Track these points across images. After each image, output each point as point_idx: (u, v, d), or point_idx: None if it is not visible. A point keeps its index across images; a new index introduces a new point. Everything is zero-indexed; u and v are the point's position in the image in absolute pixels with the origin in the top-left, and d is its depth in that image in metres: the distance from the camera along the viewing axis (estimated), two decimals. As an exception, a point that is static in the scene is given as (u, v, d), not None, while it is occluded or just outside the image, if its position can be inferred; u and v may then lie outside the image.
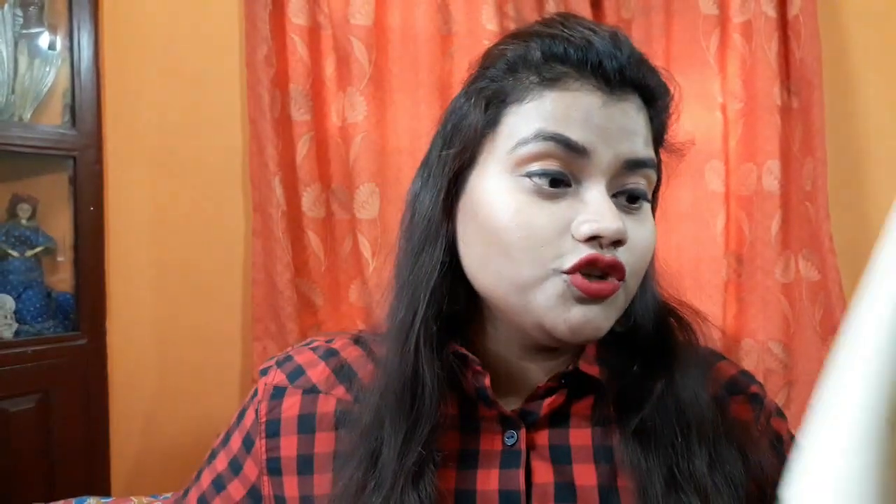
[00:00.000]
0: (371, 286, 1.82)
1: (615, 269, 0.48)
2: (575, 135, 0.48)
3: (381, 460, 0.51)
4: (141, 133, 1.78)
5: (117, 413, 1.70)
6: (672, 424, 0.51)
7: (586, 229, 0.47)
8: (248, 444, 0.60)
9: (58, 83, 1.66)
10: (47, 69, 1.64)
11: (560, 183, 0.49)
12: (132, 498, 1.45)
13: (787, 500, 0.35)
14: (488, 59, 0.54)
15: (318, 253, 1.84)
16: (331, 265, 1.87)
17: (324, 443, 0.56)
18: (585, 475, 0.52)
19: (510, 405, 0.55)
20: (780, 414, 0.59)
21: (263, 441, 0.58)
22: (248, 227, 1.85)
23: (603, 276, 0.48)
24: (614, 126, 0.49)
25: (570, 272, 0.48)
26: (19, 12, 1.61)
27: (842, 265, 1.91)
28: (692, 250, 1.98)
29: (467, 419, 0.55)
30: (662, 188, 0.58)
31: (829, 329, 1.94)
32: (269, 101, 1.76)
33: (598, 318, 0.49)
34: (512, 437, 0.53)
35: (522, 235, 0.48)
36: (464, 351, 0.54)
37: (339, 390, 0.58)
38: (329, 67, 1.83)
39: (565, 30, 0.51)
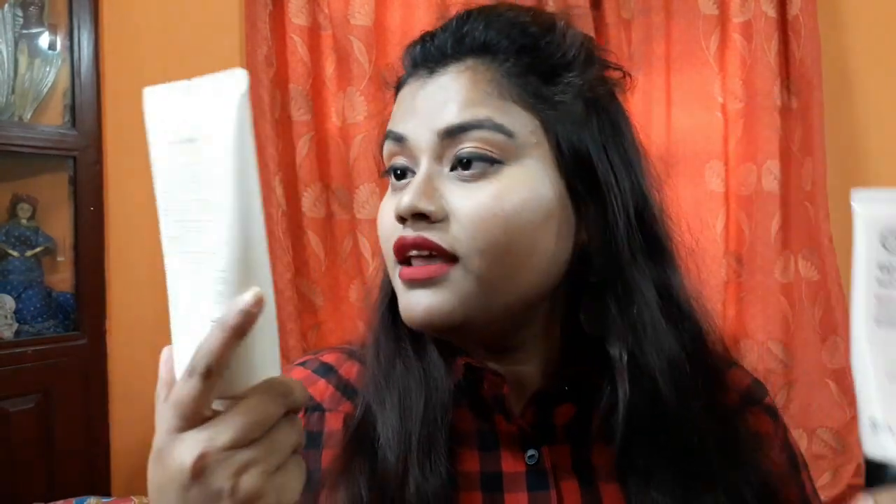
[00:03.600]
0: (371, 286, 1.81)
1: (418, 247, 0.47)
2: (398, 126, 0.50)
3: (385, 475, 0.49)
4: (141, 133, 1.75)
5: (117, 413, 1.70)
6: (682, 452, 0.49)
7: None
8: None
9: (58, 83, 1.66)
10: (47, 69, 1.64)
11: (406, 173, 0.50)
12: (132, 498, 1.45)
13: None
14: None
15: (318, 253, 1.84)
16: (331, 265, 1.87)
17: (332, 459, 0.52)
18: (613, 495, 0.50)
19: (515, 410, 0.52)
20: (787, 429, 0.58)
21: None
22: (248, 227, 1.84)
23: (431, 257, 0.47)
24: (429, 104, 0.49)
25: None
26: (19, 12, 1.61)
27: (842, 265, 1.90)
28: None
29: (486, 436, 0.52)
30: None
31: (829, 329, 1.94)
32: (269, 101, 1.76)
33: (425, 301, 0.47)
34: (533, 457, 0.51)
35: (379, 233, 0.52)
36: (475, 363, 0.51)
37: (346, 406, 0.55)
38: (329, 67, 1.83)
39: (427, 31, 0.54)
